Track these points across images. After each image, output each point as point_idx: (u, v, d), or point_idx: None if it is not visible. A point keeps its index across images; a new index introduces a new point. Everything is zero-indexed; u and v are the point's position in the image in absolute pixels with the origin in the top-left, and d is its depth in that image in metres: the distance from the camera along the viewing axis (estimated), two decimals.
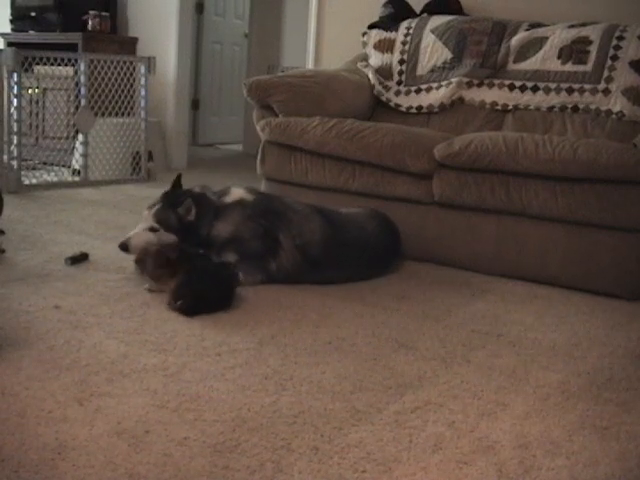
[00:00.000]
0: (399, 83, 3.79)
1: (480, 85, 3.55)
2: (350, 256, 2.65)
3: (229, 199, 2.62)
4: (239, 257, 2.54)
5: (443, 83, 3.63)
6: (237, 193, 2.65)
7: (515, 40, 3.51)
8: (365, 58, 3.94)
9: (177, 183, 2.66)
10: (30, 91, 4.81)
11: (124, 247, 2.52)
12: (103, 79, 4.54)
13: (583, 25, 3.40)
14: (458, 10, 3.92)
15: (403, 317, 2.30)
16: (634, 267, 2.65)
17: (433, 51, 3.71)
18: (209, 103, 7.08)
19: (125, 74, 4.64)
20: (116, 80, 4.60)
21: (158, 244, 2.46)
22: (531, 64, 3.44)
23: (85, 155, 4.43)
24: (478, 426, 1.59)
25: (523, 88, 3.44)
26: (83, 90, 4.43)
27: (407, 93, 3.74)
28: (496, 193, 2.81)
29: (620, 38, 3.25)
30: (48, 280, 2.44)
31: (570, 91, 3.32)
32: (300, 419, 1.56)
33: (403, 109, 3.72)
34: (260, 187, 3.25)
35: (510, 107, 3.47)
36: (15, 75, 4.01)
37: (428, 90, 3.68)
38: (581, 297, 2.66)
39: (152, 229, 2.51)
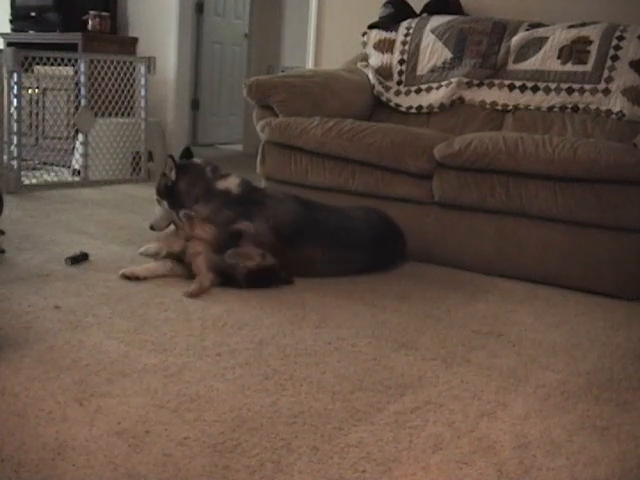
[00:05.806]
0: (399, 83, 3.79)
1: (480, 85, 3.55)
2: (327, 235, 2.66)
3: (220, 186, 2.69)
4: None
5: (443, 83, 3.63)
6: (229, 182, 2.70)
7: (515, 40, 3.51)
8: (365, 58, 3.94)
9: (185, 154, 2.67)
10: (30, 91, 4.81)
11: (151, 227, 2.81)
12: (103, 79, 4.54)
13: (583, 25, 3.39)
14: (458, 10, 3.92)
15: (403, 317, 2.30)
16: (634, 267, 2.64)
17: (433, 51, 3.71)
18: (209, 103, 7.08)
19: (125, 74, 4.64)
20: (116, 80, 4.60)
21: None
22: (531, 64, 3.44)
23: (85, 155, 4.43)
24: (478, 426, 1.59)
25: (523, 88, 3.44)
26: (83, 90, 4.43)
27: (407, 93, 3.74)
28: (496, 193, 2.81)
29: (620, 38, 3.25)
30: (48, 280, 2.44)
31: (570, 91, 3.32)
32: (300, 419, 1.56)
33: (403, 109, 3.72)
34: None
35: (510, 107, 3.47)
36: (15, 75, 4.00)
37: (428, 90, 3.68)
38: (581, 297, 2.66)
39: (158, 201, 2.65)
